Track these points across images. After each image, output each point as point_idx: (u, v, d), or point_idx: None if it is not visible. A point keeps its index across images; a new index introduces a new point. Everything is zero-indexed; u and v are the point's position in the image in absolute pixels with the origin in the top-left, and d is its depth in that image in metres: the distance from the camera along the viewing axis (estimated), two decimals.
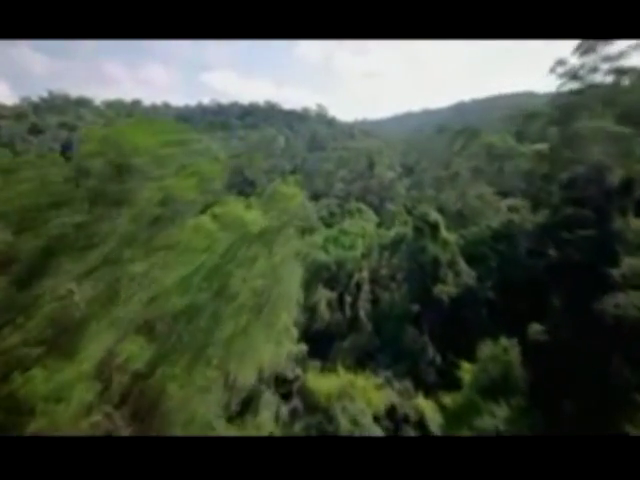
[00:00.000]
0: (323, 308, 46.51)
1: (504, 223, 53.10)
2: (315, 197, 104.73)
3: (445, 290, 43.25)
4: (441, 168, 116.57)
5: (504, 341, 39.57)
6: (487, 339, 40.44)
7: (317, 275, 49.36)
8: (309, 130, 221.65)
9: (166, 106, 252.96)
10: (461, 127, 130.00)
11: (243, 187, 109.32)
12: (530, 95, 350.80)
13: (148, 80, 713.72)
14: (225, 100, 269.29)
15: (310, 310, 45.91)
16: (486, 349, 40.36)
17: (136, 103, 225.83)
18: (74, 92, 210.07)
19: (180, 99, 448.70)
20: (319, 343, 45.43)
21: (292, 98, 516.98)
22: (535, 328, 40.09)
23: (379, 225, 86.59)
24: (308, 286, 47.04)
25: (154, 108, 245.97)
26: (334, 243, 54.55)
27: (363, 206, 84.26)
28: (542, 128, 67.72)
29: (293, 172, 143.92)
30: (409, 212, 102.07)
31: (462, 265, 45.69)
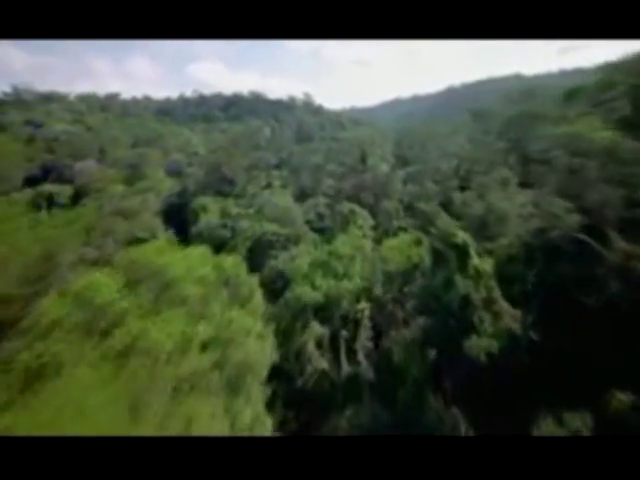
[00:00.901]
0: (311, 367, 32.77)
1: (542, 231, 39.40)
2: (302, 196, 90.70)
3: (481, 345, 29.46)
4: (441, 158, 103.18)
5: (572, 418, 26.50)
6: (546, 414, 27.43)
7: (301, 318, 35.53)
8: (296, 120, 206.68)
9: (147, 99, 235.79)
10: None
11: (221, 186, 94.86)
12: (518, 77, 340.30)
13: (133, 74, 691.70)
14: (211, 91, 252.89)
15: (293, 370, 32.43)
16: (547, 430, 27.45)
17: (112, 97, 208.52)
18: (59, 88, 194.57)
19: (166, 92, 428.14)
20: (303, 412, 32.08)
21: (280, 88, 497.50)
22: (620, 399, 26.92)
23: (375, 228, 72.93)
24: (288, 336, 33.58)
25: (134, 102, 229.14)
26: (323, 271, 40.41)
27: (356, 207, 70.29)
28: None
29: (278, 166, 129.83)
30: (407, 208, 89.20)
31: (503, 304, 31.84)
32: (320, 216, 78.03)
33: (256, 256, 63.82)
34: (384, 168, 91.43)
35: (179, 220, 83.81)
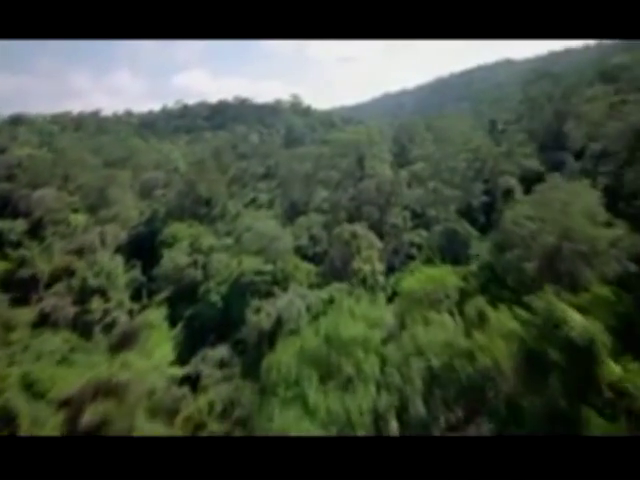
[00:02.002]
0: None
1: None
2: (292, 213, 74.10)
3: None
4: (454, 154, 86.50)
5: None
6: None
7: None
8: (284, 123, 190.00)
9: (128, 114, 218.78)
10: None
11: (196, 208, 78.26)
12: (509, 63, 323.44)
13: (116, 88, 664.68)
14: (195, 101, 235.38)
15: None
16: None
17: (89, 115, 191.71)
18: (40, 109, 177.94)
19: (152, 104, 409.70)
20: None
21: (268, 92, 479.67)
22: None
23: (384, 246, 56.61)
24: None
25: (115, 118, 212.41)
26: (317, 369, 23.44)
27: (358, 229, 53.64)
28: None
29: (266, 176, 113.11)
30: (416, 216, 72.75)
31: None
32: (314, 240, 61.61)
33: (234, 305, 47.58)
34: (386, 171, 74.83)
35: (147, 254, 67.64)
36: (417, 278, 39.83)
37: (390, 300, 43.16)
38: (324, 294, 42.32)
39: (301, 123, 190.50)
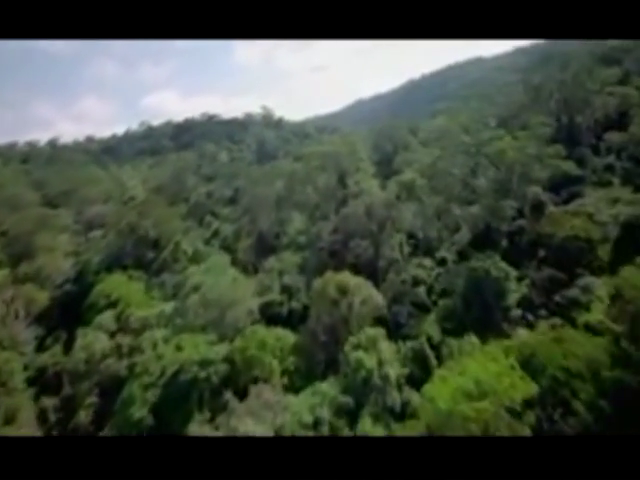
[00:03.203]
0: None
1: None
2: (260, 252, 56.61)
3: None
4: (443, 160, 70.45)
5: None
6: None
7: None
8: (255, 138, 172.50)
9: (89, 140, 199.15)
10: None
11: (139, 253, 60.35)
12: (479, 60, 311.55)
13: (82, 115, 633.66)
14: (160, 121, 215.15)
15: None
16: None
17: (43, 145, 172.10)
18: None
19: (120, 129, 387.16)
20: None
21: (240, 107, 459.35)
22: None
23: (392, 337, 39.15)
24: None
25: (75, 144, 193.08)
26: None
27: (348, 279, 36.51)
28: None
29: (232, 201, 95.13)
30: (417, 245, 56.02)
31: None
32: (288, 291, 44.33)
33: (170, 423, 30.02)
34: (374, 189, 58.28)
35: (72, 322, 49.81)
36: (450, 388, 22.97)
37: (402, 418, 26.49)
38: (305, 415, 24.83)
39: (273, 136, 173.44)
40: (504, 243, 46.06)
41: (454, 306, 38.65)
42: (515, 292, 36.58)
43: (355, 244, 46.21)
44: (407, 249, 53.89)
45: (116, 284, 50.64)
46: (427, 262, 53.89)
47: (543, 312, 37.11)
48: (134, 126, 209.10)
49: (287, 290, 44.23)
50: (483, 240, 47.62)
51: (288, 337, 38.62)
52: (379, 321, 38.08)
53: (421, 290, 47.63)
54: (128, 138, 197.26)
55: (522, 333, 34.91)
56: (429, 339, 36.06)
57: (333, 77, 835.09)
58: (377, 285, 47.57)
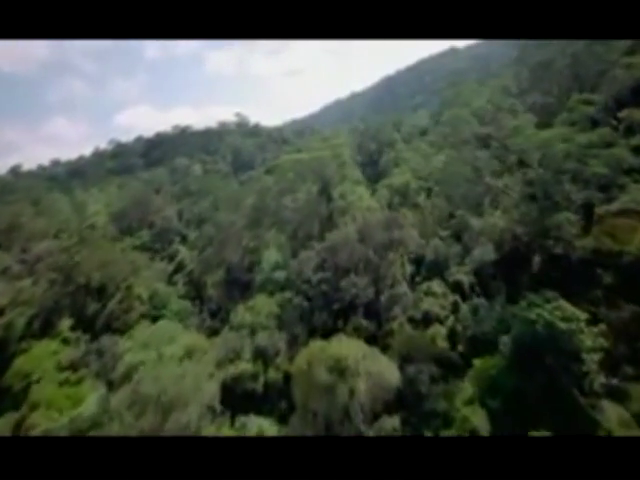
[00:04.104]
0: None
1: None
2: (227, 303, 43.39)
3: None
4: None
5: None
6: None
7: None
8: (230, 148, 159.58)
9: (55, 164, 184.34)
10: None
11: (75, 309, 47.10)
12: (454, 52, 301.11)
13: (53, 137, 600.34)
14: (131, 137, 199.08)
15: None
16: None
17: (5, 172, 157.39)
18: None
19: (91, 149, 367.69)
20: None
21: (215, 117, 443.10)
22: None
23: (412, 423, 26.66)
24: None
25: (40, 169, 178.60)
26: None
27: (348, 349, 24.07)
28: None
29: (201, 223, 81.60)
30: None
31: None
32: (264, 359, 31.50)
33: None
34: (366, 201, 45.85)
35: None
36: None
37: None
38: None
39: (250, 144, 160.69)
40: (544, 263, 33.72)
41: (498, 370, 26.24)
42: (593, 348, 24.17)
43: (349, 283, 33.73)
44: (410, 270, 41.81)
45: (39, 358, 37.51)
46: (437, 287, 41.90)
47: (630, 370, 25.01)
48: (95, 146, 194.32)
49: (262, 354, 31.60)
50: (514, 260, 35.35)
51: (267, 429, 26.12)
52: (393, 399, 25.72)
53: (440, 333, 35.51)
54: (96, 158, 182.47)
55: (612, 412, 22.69)
56: (471, 429, 23.58)
57: (309, 80, 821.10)
58: (380, 329, 35.37)
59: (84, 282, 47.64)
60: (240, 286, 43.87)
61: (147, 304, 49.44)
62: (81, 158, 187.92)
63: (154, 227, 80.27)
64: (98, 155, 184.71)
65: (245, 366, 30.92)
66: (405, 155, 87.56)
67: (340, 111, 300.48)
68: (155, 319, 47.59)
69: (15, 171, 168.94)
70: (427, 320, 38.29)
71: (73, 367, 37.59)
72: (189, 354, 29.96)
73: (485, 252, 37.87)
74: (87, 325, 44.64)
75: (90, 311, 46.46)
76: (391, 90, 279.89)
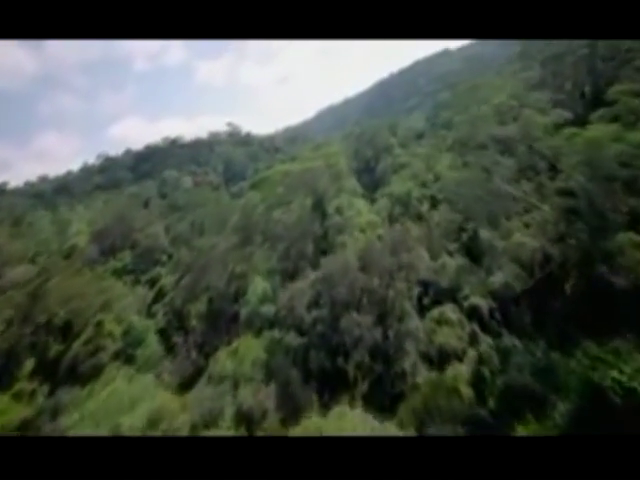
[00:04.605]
0: None
1: None
2: (210, 344, 36.96)
3: None
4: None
5: None
6: None
7: None
8: (221, 158, 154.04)
9: (42, 180, 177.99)
10: None
11: (40, 347, 40.61)
12: (447, 54, 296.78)
13: (44, 153, 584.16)
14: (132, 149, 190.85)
15: None
16: None
17: None
18: None
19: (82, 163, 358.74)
20: None
21: (207, 127, 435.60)
22: None
23: None
24: None
25: (27, 186, 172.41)
26: None
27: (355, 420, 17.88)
28: None
29: (189, 241, 75.17)
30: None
31: None
32: (248, 422, 25.23)
33: None
34: (365, 215, 39.70)
35: None
36: None
37: None
38: None
39: (241, 154, 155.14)
40: (595, 296, 27.41)
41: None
42: None
43: (350, 322, 27.43)
44: (417, 291, 35.59)
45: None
46: (451, 313, 35.82)
47: None
48: (84, 161, 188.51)
49: (245, 417, 25.25)
50: (546, 288, 29.10)
51: None
52: None
53: (462, 375, 29.31)
54: (84, 174, 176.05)
55: None
56: None
57: (300, 87, 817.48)
58: (389, 369, 29.19)
59: (45, 319, 41.26)
60: (224, 320, 37.56)
61: (120, 341, 43.04)
62: (69, 173, 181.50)
63: (137, 247, 73.89)
64: (86, 170, 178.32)
65: (224, 433, 24.60)
66: (403, 160, 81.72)
67: (334, 117, 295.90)
68: (129, 359, 41.37)
69: (1, 189, 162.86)
70: (444, 357, 32.14)
71: (23, 429, 31.10)
72: (154, 423, 23.72)
73: (507, 275, 31.67)
74: (48, 373, 38.20)
75: (52, 354, 40.03)
76: (385, 94, 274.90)
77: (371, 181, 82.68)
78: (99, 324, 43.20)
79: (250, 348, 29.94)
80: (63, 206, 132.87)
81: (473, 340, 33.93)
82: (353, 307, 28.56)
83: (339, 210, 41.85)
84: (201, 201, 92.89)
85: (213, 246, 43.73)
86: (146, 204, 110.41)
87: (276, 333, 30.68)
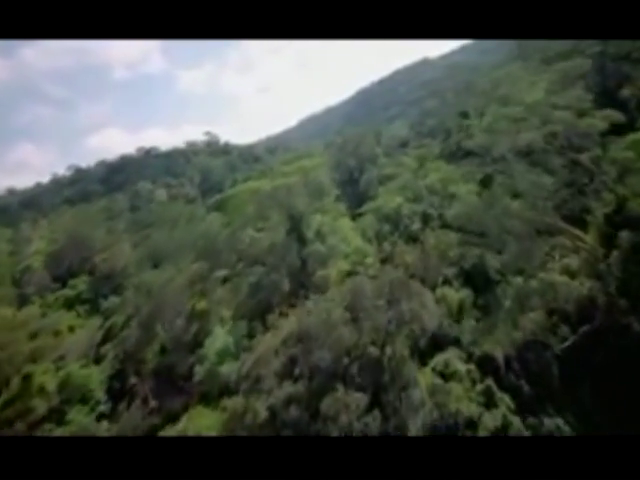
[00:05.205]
0: None
1: None
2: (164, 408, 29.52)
3: None
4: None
5: None
6: None
7: None
8: (199, 169, 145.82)
9: (10, 193, 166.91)
10: None
11: None
12: (427, 62, 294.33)
13: (20, 166, 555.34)
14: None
15: None
16: None
17: None
18: None
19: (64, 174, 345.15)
20: None
21: (188, 137, 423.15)
22: None
23: None
24: None
25: None
26: None
27: None
28: None
29: (156, 265, 66.41)
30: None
31: None
32: None
33: None
34: (348, 240, 32.36)
35: None
36: None
37: None
38: None
39: (219, 164, 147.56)
40: None
41: None
42: None
43: (335, 405, 19.72)
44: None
45: None
46: (457, 362, 29.05)
47: None
48: (53, 173, 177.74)
49: None
50: (595, 343, 22.10)
51: None
52: None
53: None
54: (54, 186, 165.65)
55: None
56: None
57: (282, 96, 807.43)
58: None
59: None
60: (177, 378, 29.72)
61: (55, 398, 34.76)
62: (38, 186, 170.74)
63: (96, 271, 65.23)
64: (56, 182, 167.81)
65: None
66: (389, 171, 75.23)
67: (315, 125, 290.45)
68: (60, 422, 33.26)
69: None
70: (452, 429, 25.00)
71: None
72: None
73: (536, 323, 24.59)
74: None
75: None
76: (366, 102, 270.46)
77: (355, 194, 75.88)
78: (27, 378, 34.86)
79: (202, 426, 22.19)
80: (26, 222, 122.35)
81: (489, 401, 26.91)
82: (338, 379, 21.06)
83: (320, 234, 34.54)
84: (174, 216, 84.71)
85: (171, 278, 35.81)
86: (113, 219, 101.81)
87: (239, 406, 22.99)
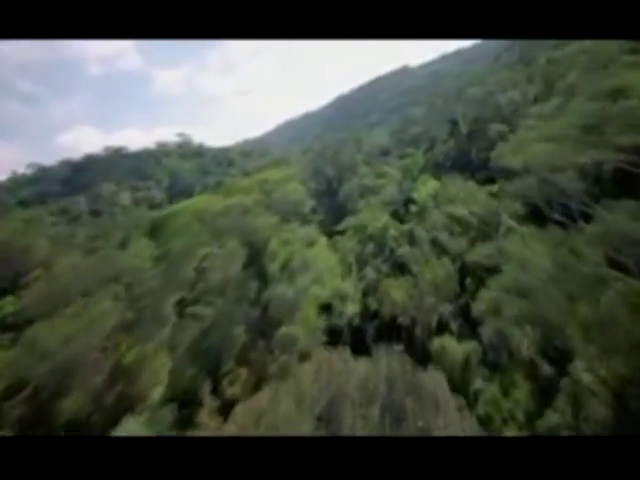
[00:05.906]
0: None
1: None
2: None
3: None
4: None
5: None
6: None
7: None
8: (168, 171, 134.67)
9: None
10: None
11: None
12: (406, 71, 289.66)
13: None
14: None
15: None
16: None
17: None
18: None
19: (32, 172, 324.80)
20: None
21: (163, 138, 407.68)
22: None
23: None
24: None
25: None
26: None
27: None
28: None
29: (115, 280, 56.31)
30: None
31: None
32: None
33: None
34: (326, 283, 24.03)
35: None
36: None
37: None
38: None
39: (190, 167, 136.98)
40: None
41: None
42: None
43: None
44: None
45: None
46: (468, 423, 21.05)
47: None
48: (12, 171, 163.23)
49: None
50: None
51: None
52: None
53: None
54: (12, 185, 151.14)
55: None
56: None
57: (261, 99, 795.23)
58: None
59: None
60: None
61: None
62: None
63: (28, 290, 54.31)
64: (14, 181, 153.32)
65: None
66: (370, 182, 67.27)
67: (293, 130, 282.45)
68: None
69: None
70: None
71: None
72: None
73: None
74: None
75: None
76: (345, 109, 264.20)
77: (333, 206, 67.64)
78: None
79: None
80: None
81: None
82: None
83: (287, 270, 25.68)
84: (134, 221, 74.20)
85: (87, 327, 26.38)
86: (69, 224, 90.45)
87: None
